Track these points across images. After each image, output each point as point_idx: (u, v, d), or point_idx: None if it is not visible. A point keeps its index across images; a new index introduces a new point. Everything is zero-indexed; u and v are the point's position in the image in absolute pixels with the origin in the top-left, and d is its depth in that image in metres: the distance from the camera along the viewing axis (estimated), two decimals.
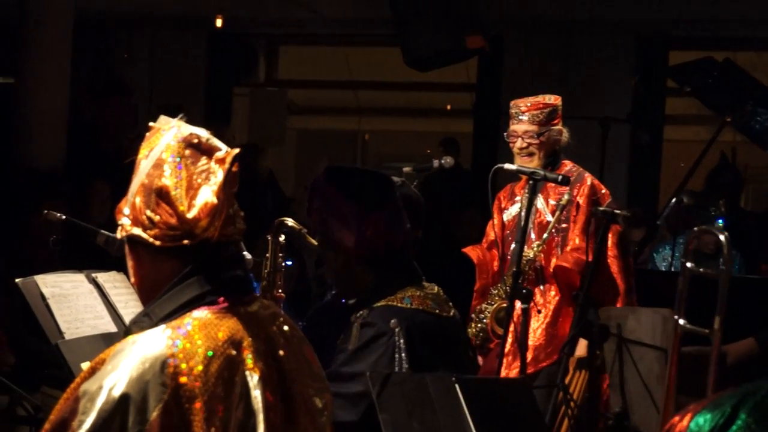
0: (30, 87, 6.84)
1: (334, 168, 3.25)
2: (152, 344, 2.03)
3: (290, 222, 3.54)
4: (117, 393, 1.98)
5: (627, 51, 9.73)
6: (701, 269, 3.46)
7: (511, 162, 4.65)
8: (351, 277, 3.16)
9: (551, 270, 4.71)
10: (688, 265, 3.46)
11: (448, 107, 13.07)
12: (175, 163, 2.13)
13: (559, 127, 4.84)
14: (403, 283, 3.16)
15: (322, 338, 3.23)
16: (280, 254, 3.57)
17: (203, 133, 2.19)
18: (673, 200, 6.56)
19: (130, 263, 2.21)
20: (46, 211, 3.60)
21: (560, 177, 4.31)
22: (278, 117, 11.47)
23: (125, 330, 2.17)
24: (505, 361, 4.58)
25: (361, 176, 3.29)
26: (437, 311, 3.15)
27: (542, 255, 4.71)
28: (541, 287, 4.73)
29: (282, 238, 3.58)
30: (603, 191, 4.79)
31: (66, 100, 6.93)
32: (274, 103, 11.50)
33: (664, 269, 6.84)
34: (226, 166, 2.12)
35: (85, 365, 2.07)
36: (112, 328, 3.50)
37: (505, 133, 4.86)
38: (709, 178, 8.10)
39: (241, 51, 10.90)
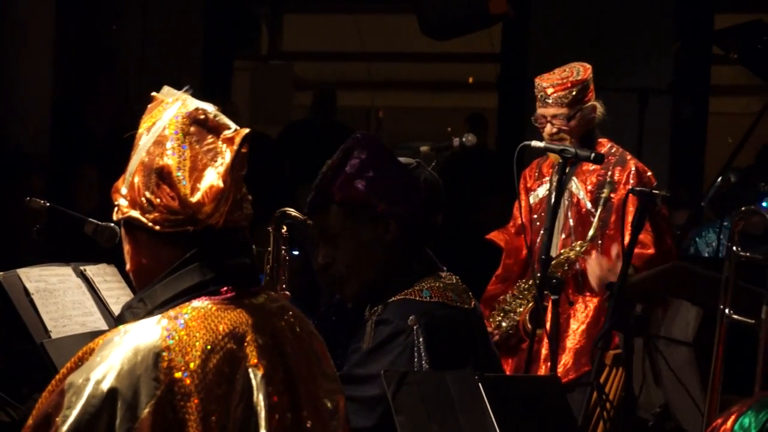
0: (9, 62, 6.86)
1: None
2: (146, 335, 2.04)
3: (293, 212, 3.54)
4: (105, 387, 1.99)
5: (667, 14, 9.70)
6: (748, 254, 3.44)
7: (541, 139, 4.63)
8: (390, 260, 3.10)
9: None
10: (735, 249, 3.44)
11: (470, 80, 13.05)
12: (179, 141, 2.13)
13: (591, 103, 4.76)
14: (422, 273, 3.13)
15: (335, 338, 3.23)
16: (284, 247, 3.56)
17: (210, 109, 2.19)
18: (719, 179, 6.53)
19: (126, 248, 2.22)
20: (28, 198, 3.62)
21: (593, 154, 4.30)
22: (283, 93, 11.47)
23: (117, 316, 2.18)
24: (543, 367, 4.57)
25: None
26: (458, 304, 3.13)
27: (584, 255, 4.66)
28: (584, 292, 4.68)
29: (284, 229, 3.58)
30: (648, 174, 4.72)
31: (50, 76, 6.95)
32: (279, 78, 11.51)
33: (708, 255, 6.82)
34: (235, 147, 2.12)
35: None
36: (103, 325, 3.51)
37: (532, 117, 4.80)
38: (760, 154, 8.09)
39: (242, 20, 10.89)
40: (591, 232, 4.59)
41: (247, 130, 2.15)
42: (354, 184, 3.06)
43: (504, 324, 4.75)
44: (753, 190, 6.67)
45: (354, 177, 3.06)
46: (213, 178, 2.10)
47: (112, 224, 3.34)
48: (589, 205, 4.70)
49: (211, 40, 10.62)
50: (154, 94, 2.22)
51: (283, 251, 3.55)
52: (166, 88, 2.23)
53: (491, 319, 4.76)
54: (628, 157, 4.76)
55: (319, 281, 6.18)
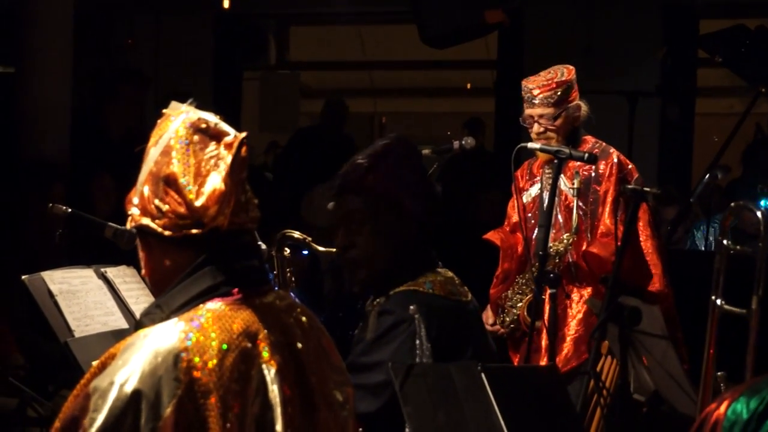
0: (32, 76, 6.86)
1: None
2: (165, 338, 2.04)
3: (294, 233, 3.56)
4: (129, 389, 1.99)
5: (654, 21, 9.69)
6: (738, 247, 3.43)
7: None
8: (402, 255, 3.13)
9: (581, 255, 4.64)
10: (725, 242, 3.43)
11: (468, 86, 13.05)
12: (184, 150, 2.14)
13: (576, 102, 4.72)
14: (424, 268, 3.17)
15: (342, 332, 3.23)
16: (288, 269, 3.58)
17: (212, 118, 2.20)
18: (707, 176, 6.52)
19: (141, 254, 2.23)
20: (51, 205, 3.62)
21: (586, 155, 4.29)
22: (290, 101, 11.48)
23: (136, 322, 2.18)
24: (546, 358, 4.54)
25: None
26: (457, 297, 3.17)
27: (572, 247, 4.64)
28: (578, 282, 4.67)
29: (287, 252, 3.59)
30: (630, 166, 4.71)
31: (69, 88, 6.96)
32: (286, 87, 11.52)
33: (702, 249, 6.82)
34: (234, 150, 2.13)
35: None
36: (123, 324, 3.52)
37: (520, 118, 4.78)
38: (745, 156, 8.09)
39: (251, 32, 10.90)
40: (573, 224, 4.57)
41: (244, 135, 2.15)
42: (389, 179, 3.11)
43: (507, 319, 4.74)
44: (749, 191, 6.66)
45: (389, 173, 3.11)
46: (216, 182, 2.11)
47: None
48: (576, 200, 4.69)
49: (221, 51, 10.62)
50: (163, 110, 2.23)
51: (288, 273, 3.56)
52: (173, 103, 2.24)
53: (498, 318, 4.75)
54: (611, 150, 4.73)
55: (326, 282, 6.17)
